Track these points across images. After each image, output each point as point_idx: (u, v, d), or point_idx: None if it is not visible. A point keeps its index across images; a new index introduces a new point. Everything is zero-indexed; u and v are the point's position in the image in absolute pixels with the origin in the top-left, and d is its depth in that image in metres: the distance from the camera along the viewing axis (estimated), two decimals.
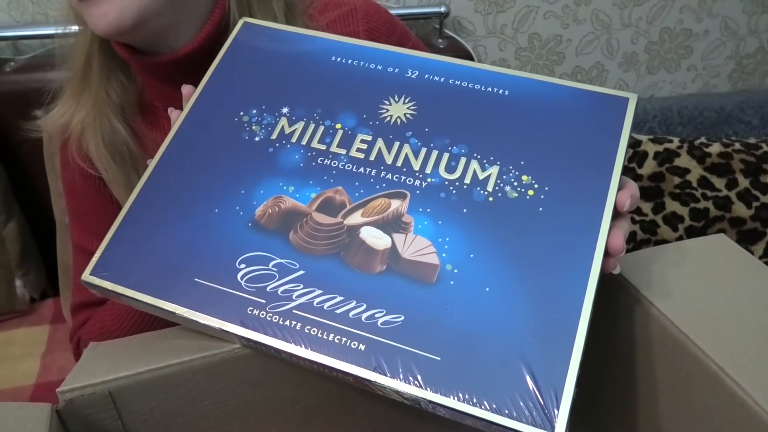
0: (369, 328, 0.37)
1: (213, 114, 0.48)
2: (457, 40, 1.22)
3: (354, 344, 0.37)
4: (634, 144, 1.08)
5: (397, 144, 0.44)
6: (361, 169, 0.44)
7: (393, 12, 1.13)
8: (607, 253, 0.39)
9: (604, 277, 0.39)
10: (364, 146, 0.44)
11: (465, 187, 0.42)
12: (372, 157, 0.44)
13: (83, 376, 0.41)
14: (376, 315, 0.38)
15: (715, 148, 1.06)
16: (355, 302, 0.38)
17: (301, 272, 0.40)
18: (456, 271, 0.39)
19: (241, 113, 0.47)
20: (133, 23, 0.53)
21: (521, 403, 0.34)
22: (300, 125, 0.46)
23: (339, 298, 0.39)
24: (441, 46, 1.19)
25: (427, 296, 0.38)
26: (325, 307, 0.38)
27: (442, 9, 1.18)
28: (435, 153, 0.43)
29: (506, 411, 0.34)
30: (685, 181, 1.03)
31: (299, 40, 0.51)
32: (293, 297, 0.39)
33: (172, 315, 0.40)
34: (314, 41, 0.51)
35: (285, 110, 0.47)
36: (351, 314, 0.38)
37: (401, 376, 0.36)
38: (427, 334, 0.37)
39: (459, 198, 0.41)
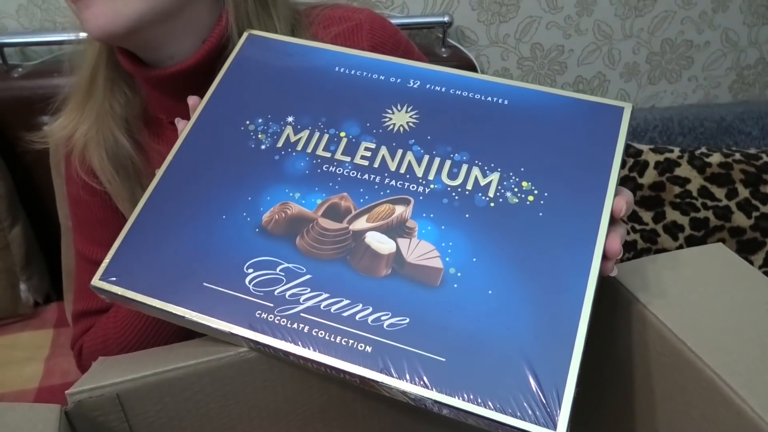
0: (375, 330, 0.38)
1: (220, 123, 0.49)
2: (459, 49, 1.23)
3: (361, 346, 0.38)
4: (634, 153, 1.09)
5: (400, 151, 0.45)
6: (366, 176, 0.45)
7: (396, 21, 1.14)
8: (604, 257, 0.40)
9: (602, 282, 0.40)
10: (368, 153, 0.46)
11: (467, 193, 0.43)
12: (376, 164, 0.45)
13: (91, 377, 0.41)
14: (382, 318, 0.39)
15: (716, 158, 1.07)
16: (361, 305, 0.39)
17: (308, 276, 0.41)
18: (459, 274, 0.40)
19: (248, 122, 0.48)
20: (126, 29, 0.53)
21: (524, 403, 0.35)
22: (305, 133, 0.47)
23: (345, 302, 0.39)
24: (444, 56, 1.20)
25: (432, 299, 0.39)
26: (332, 311, 0.39)
27: (446, 19, 1.19)
28: (437, 160, 0.45)
29: (509, 410, 0.35)
30: (685, 191, 1.04)
31: (303, 52, 0.52)
32: (301, 300, 0.40)
33: (181, 319, 0.41)
34: (318, 53, 0.52)
35: (290, 119, 0.48)
36: (357, 317, 0.39)
37: (407, 377, 0.37)
38: (432, 336, 0.38)
39: (461, 203, 0.42)
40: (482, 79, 0.49)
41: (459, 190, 0.43)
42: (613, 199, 0.42)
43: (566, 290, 0.39)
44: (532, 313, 0.38)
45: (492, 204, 0.42)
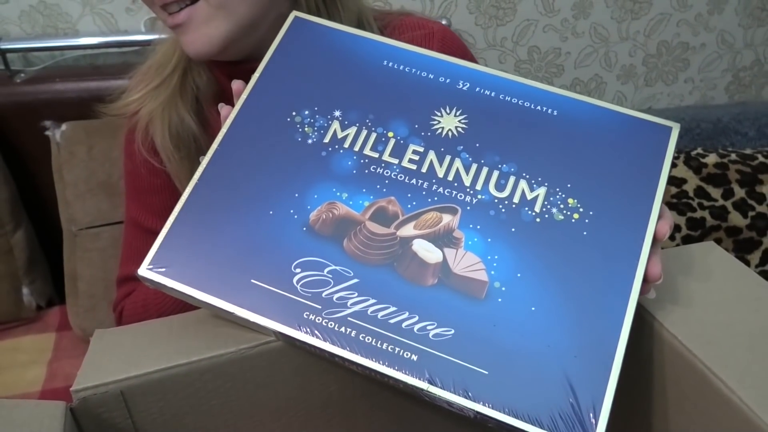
0: (421, 339, 0.39)
1: (265, 112, 0.47)
2: None
3: (407, 354, 0.38)
4: None
5: (448, 158, 0.45)
6: (414, 181, 0.44)
7: None
8: (644, 279, 0.41)
9: None
10: (416, 157, 0.45)
11: (513, 206, 0.42)
12: (424, 169, 0.44)
13: (95, 374, 0.42)
14: (428, 327, 0.39)
15: (712, 159, 1.08)
16: (407, 313, 0.39)
17: (356, 280, 0.41)
18: (504, 289, 0.40)
19: (294, 113, 0.47)
20: (219, 49, 0.58)
21: (562, 420, 0.36)
22: (352, 130, 0.46)
23: (392, 309, 0.40)
24: None
25: (477, 312, 0.39)
26: (378, 317, 0.39)
27: (443, 22, 1.20)
28: (485, 170, 0.44)
29: (548, 426, 0.36)
30: (681, 191, 1.05)
31: (350, 40, 0.50)
32: (348, 304, 0.40)
33: (229, 314, 0.41)
34: (365, 42, 0.50)
35: (337, 113, 0.47)
36: (404, 325, 0.39)
37: (452, 389, 0.37)
38: (476, 348, 0.38)
39: (508, 217, 0.42)
40: (532, 85, 0.48)
41: (506, 202, 0.43)
42: (657, 222, 0.42)
43: (606, 311, 0.39)
44: (573, 332, 0.39)
45: (538, 219, 0.42)
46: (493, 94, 0.47)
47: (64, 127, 1.10)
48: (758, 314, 0.44)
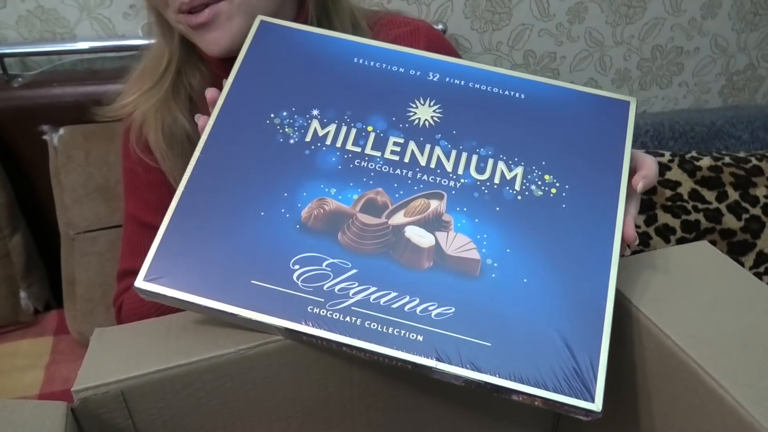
0: (424, 320, 0.40)
1: (243, 117, 0.48)
2: None
3: (412, 336, 0.40)
4: None
5: (428, 146, 0.47)
6: (398, 171, 0.46)
7: None
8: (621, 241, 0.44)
9: None
10: (398, 148, 0.47)
11: (495, 187, 0.45)
12: (406, 159, 0.46)
13: (96, 374, 0.42)
14: (429, 308, 0.41)
15: (706, 162, 1.09)
16: (408, 297, 0.41)
17: (354, 271, 0.42)
18: (496, 265, 0.42)
19: (272, 115, 0.48)
20: (240, 44, 0.56)
21: (565, 379, 0.39)
22: (332, 127, 0.48)
23: (393, 294, 0.41)
24: None
25: (473, 289, 0.42)
26: (381, 303, 0.41)
27: (439, 27, 1.21)
28: (465, 155, 0.46)
29: (552, 386, 0.39)
30: (676, 194, 1.06)
31: (319, 40, 0.52)
32: (350, 294, 0.41)
33: (232, 317, 0.42)
34: (334, 42, 0.52)
35: (315, 112, 0.48)
36: (406, 308, 0.41)
37: (460, 363, 0.39)
38: (476, 323, 0.40)
39: (491, 197, 0.45)
40: (499, 72, 0.50)
41: (488, 184, 0.45)
42: (633, 177, 0.45)
43: (592, 274, 0.42)
44: (565, 297, 0.41)
45: (519, 197, 0.45)
46: (462, 82, 0.50)
47: (61, 131, 1.11)
48: (750, 313, 0.45)
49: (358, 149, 0.47)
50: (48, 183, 1.13)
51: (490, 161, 0.46)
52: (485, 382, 0.39)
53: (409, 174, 0.46)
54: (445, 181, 0.45)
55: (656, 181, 0.47)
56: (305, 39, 0.52)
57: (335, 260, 0.43)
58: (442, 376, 0.40)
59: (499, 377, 0.39)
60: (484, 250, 0.43)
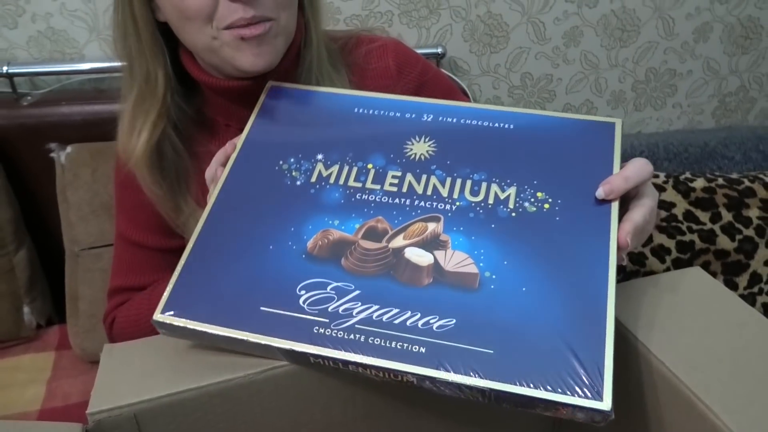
0: (426, 333, 0.42)
1: (255, 165, 0.53)
2: (453, 78, 1.28)
3: (415, 348, 0.42)
4: None
5: (424, 176, 0.50)
6: (397, 200, 0.49)
7: None
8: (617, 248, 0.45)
9: None
10: (396, 181, 0.50)
11: (489, 206, 0.48)
12: (404, 189, 0.50)
13: (109, 396, 0.44)
14: (431, 321, 0.43)
15: (700, 183, 1.11)
16: (410, 312, 0.43)
17: (357, 292, 0.44)
18: (494, 276, 0.44)
19: (281, 162, 0.53)
20: (274, 63, 0.61)
21: (571, 381, 0.39)
22: (335, 168, 0.52)
23: (395, 311, 0.43)
24: None
25: (473, 300, 0.43)
26: (383, 320, 0.43)
27: (439, 50, 1.24)
28: (459, 181, 0.50)
29: (560, 389, 0.39)
30: (671, 215, 1.08)
31: (322, 97, 0.58)
32: (353, 314, 0.43)
33: (242, 343, 0.44)
34: (336, 97, 0.57)
35: (320, 156, 0.53)
36: (408, 323, 0.43)
37: (462, 371, 0.40)
38: (478, 332, 0.42)
39: (486, 216, 0.47)
40: (487, 108, 0.55)
41: (482, 204, 0.48)
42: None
43: (591, 279, 0.44)
44: (565, 303, 0.43)
45: (513, 214, 0.48)
46: (454, 120, 0.54)
47: (69, 149, 1.13)
48: (741, 339, 0.47)
49: (359, 184, 0.50)
50: (53, 199, 1.15)
51: (484, 184, 0.49)
52: (489, 389, 0.40)
53: (407, 202, 0.49)
54: (441, 206, 0.49)
55: (644, 178, 0.48)
56: (309, 97, 0.58)
57: (339, 283, 0.45)
58: (446, 388, 0.41)
59: (503, 383, 0.40)
60: (481, 264, 0.45)
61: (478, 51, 1.30)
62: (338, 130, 0.55)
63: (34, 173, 1.17)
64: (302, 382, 0.47)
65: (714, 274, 1.08)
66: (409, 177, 0.51)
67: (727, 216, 1.09)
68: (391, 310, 0.43)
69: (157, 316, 0.46)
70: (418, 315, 0.43)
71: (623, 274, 1.10)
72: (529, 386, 0.39)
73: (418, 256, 0.46)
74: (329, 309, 0.44)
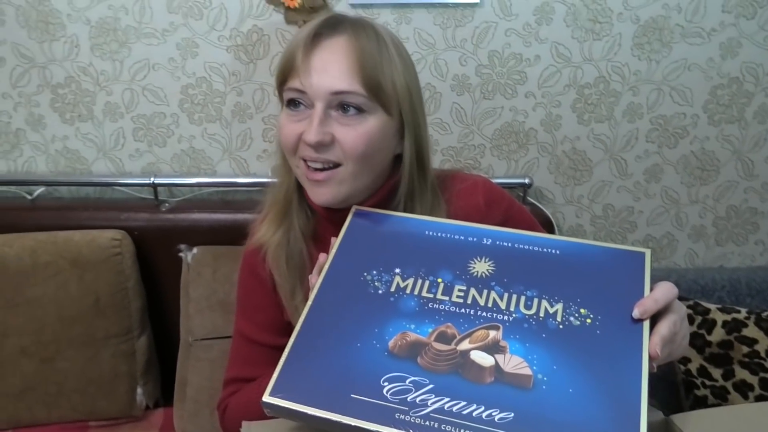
0: (489, 423, 0.50)
1: (343, 275, 0.64)
2: (538, 206, 1.39)
3: None
4: (702, 311, 1.17)
5: (485, 291, 0.60)
6: (463, 310, 0.59)
7: None
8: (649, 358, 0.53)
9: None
10: (462, 293, 0.60)
11: (540, 319, 0.57)
12: (469, 301, 0.60)
13: None
14: (493, 413, 0.51)
15: None
16: (476, 405, 0.51)
17: (431, 386, 0.53)
18: (545, 378, 0.53)
19: (365, 274, 0.64)
20: (340, 202, 0.74)
21: None
22: (411, 281, 0.62)
23: (463, 403, 0.52)
24: None
25: (529, 398, 0.51)
26: (454, 410, 0.51)
27: (526, 180, 1.36)
28: (515, 296, 0.59)
29: None
30: (753, 351, 1.09)
31: (399, 221, 0.70)
32: (428, 404, 0.52)
33: (336, 424, 0.53)
34: (410, 221, 0.70)
35: (397, 270, 0.64)
36: (474, 414, 0.51)
37: None
38: (533, 425, 0.50)
39: (538, 327, 0.57)
40: (537, 235, 0.66)
41: (534, 317, 0.57)
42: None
43: (627, 385, 0.52)
44: (605, 404, 0.51)
45: (561, 326, 0.56)
46: (509, 244, 0.65)
47: (195, 250, 1.30)
48: None
49: (431, 295, 0.61)
50: (176, 294, 1.31)
51: (535, 300, 0.58)
52: None
53: (472, 312, 0.59)
54: (500, 316, 0.58)
55: (671, 299, 0.57)
56: (387, 219, 0.70)
57: (416, 378, 0.54)
58: None
59: None
60: (534, 368, 0.53)
61: (563, 182, 1.41)
62: (412, 249, 0.65)
63: (163, 269, 1.34)
64: None
65: None
66: (472, 291, 0.60)
67: None
68: (459, 402, 0.51)
69: (266, 398, 0.55)
70: (483, 408, 0.51)
71: (704, 407, 1.11)
72: None
73: (482, 358, 0.54)
74: (408, 399, 0.52)
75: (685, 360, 1.18)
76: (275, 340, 0.81)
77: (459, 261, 0.64)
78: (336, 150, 0.71)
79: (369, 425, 0.52)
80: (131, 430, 1.30)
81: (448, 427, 0.50)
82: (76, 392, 1.28)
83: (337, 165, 0.72)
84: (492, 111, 1.35)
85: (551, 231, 1.36)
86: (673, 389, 1.22)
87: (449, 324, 0.58)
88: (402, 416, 0.51)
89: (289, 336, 0.80)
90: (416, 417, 0.51)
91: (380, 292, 0.62)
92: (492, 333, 0.57)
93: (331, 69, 0.69)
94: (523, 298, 0.59)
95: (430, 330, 0.58)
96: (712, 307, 1.18)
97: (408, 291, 0.61)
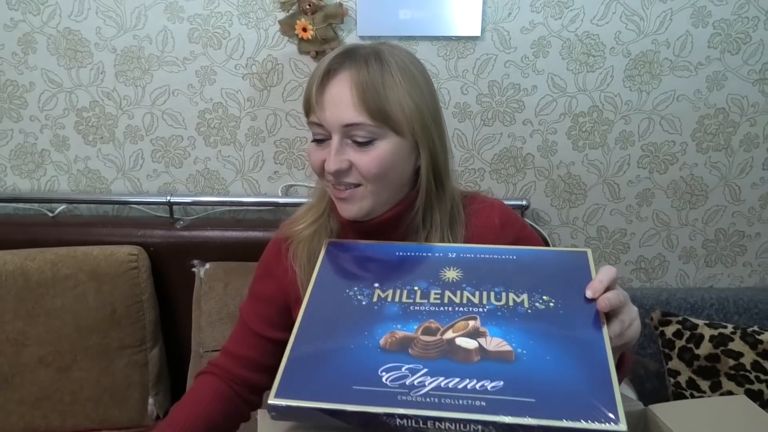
0: (483, 392, 0.57)
1: (328, 292, 0.72)
2: (535, 228, 1.46)
3: (477, 402, 0.56)
4: (691, 326, 1.22)
5: (459, 292, 0.68)
6: (442, 308, 0.67)
7: None
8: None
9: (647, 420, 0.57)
10: (438, 296, 0.68)
11: (510, 307, 0.66)
12: (446, 301, 0.67)
13: None
14: (485, 384, 0.57)
15: (767, 336, 1.18)
16: (468, 380, 0.58)
17: (426, 370, 0.59)
18: (525, 352, 0.60)
19: (347, 290, 0.71)
20: (365, 215, 0.81)
21: (596, 414, 0.54)
22: (390, 291, 0.70)
23: (457, 380, 0.58)
24: None
25: (513, 368, 0.59)
26: (450, 386, 0.58)
27: (524, 202, 1.43)
28: (485, 292, 0.67)
29: (590, 420, 0.53)
30: (739, 364, 1.15)
31: (370, 247, 0.78)
32: (426, 384, 0.58)
33: (343, 414, 0.58)
34: (380, 246, 0.79)
35: (376, 285, 0.71)
36: (468, 387, 0.57)
37: (518, 415, 0.54)
38: (521, 388, 0.57)
39: (510, 314, 0.65)
40: (494, 246, 0.75)
41: (505, 306, 0.66)
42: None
43: (594, 350, 0.60)
44: (579, 365, 0.58)
45: (529, 311, 0.65)
46: (472, 255, 0.74)
47: (207, 266, 1.36)
48: None
49: (411, 300, 0.68)
50: (188, 307, 1.37)
51: (503, 293, 0.67)
52: (539, 425, 0.53)
53: (450, 309, 0.66)
54: (475, 309, 0.66)
55: (612, 277, 0.65)
56: (360, 247, 0.79)
57: (410, 365, 0.60)
58: (504, 427, 0.54)
59: (546, 419, 0.53)
60: (514, 344, 0.61)
61: (559, 205, 1.48)
62: (386, 267, 0.73)
63: (176, 283, 1.40)
64: None
65: None
66: (447, 293, 0.68)
67: None
68: (453, 379, 0.57)
69: (272, 400, 0.60)
70: (475, 381, 0.57)
71: None
72: (567, 420, 0.53)
73: (467, 343, 0.61)
74: (406, 383, 0.58)
75: (675, 373, 1.23)
76: (266, 332, 0.90)
77: (430, 272, 0.72)
78: (354, 173, 0.78)
79: (375, 409, 0.57)
80: None
81: (448, 400, 0.56)
82: (90, 401, 1.34)
83: (358, 185, 0.79)
84: (491, 137, 1.43)
85: None
86: (663, 401, 1.27)
87: (432, 320, 0.65)
88: (404, 397, 0.57)
89: (281, 332, 0.87)
90: (417, 396, 0.57)
91: (364, 303, 0.69)
92: (471, 322, 0.64)
93: (340, 104, 0.76)
94: (492, 293, 0.67)
95: (415, 327, 0.64)
96: (700, 322, 1.24)
97: (389, 300, 0.69)
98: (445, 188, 0.86)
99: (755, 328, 1.22)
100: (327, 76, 0.78)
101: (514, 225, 0.89)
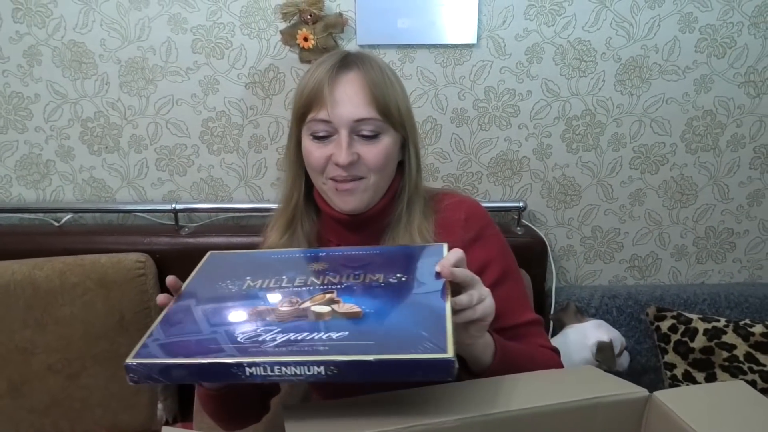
0: (328, 339, 0.62)
1: (203, 284, 0.77)
2: (532, 228, 1.50)
3: (322, 347, 0.61)
4: (685, 321, 1.27)
5: (322, 276, 0.75)
6: (304, 288, 0.73)
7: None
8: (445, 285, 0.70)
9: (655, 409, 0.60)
10: (302, 280, 0.75)
11: (366, 283, 0.73)
12: (308, 283, 0.74)
13: None
14: (332, 335, 0.63)
15: (758, 329, 1.23)
16: (316, 333, 0.63)
17: (279, 329, 0.65)
18: (373, 311, 0.67)
19: (220, 283, 0.76)
20: (364, 207, 0.87)
21: (426, 347, 0.60)
22: (259, 282, 0.76)
23: (306, 333, 0.64)
24: (519, 233, 1.46)
25: (360, 323, 0.65)
26: (298, 338, 0.63)
27: (520, 204, 1.47)
28: (345, 275, 0.74)
29: (420, 351, 0.59)
30: (732, 356, 1.19)
31: (249, 254, 0.86)
32: (277, 339, 0.63)
33: (196, 368, 0.61)
34: (258, 253, 0.86)
35: (248, 278, 0.77)
36: (316, 337, 0.63)
37: (356, 353, 0.60)
38: (363, 335, 0.63)
39: (365, 288, 0.72)
40: (360, 247, 0.83)
41: (361, 282, 0.73)
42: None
43: (435, 306, 0.67)
44: (419, 321, 0.64)
45: (383, 284, 0.72)
46: (340, 253, 0.83)
47: None
48: None
49: (277, 285, 0.74)
50: None
51: (362, 274, 0.74)
52: (375, 359, 0.58)
53: (312, 288, 0.73)
54: (334, 287, 0.72)
55: (459, 255, 0.71)
56: (239, 255, 0.86)
57: (266, 327, 0.66)
58: (344, 364, 0.59)
59: (384, 354, 0.59)
60: (364, 307, 0.67)
61: (554, 206, 1.53)
62: (260, 266, 0.80)
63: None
64: None
65: None
66: (311, 277, 0.75)
67: None
68: (302, 334, 0.63)
69: (130, 360, 0.62)
70: (322, 333, 0.63)
71: None
72: (399, 353, 0.59)
73: (322, 308, 0.68)
74: (259, 339, 0.63)
75: (671, 366, 1.28)
76: None
77: (299, 267, 0.79)
78: (361, 166, 0.85)
79: (227, 359, 0.61)
80: None
81: (295, 348, 0.61)
82: (99, 407, 1.35)
83: (361, 178, 0.86)
84: (488, 141, 1.47)
85: (545, 251, 1.47)
86: None
87: (293, 297, 0.71)
88: (256, 348, 0.62)
89: None
90: (267, 347, 0.62)
91: (233, 290, 0.74)
92: (328, 295, 0.71)
93: (352, 100, 0.83)
94: (352, 276, 0.75)
95: (276, 302, 0.71)
96: (694, 317, 1.28)
97: (257, 287, 0.74)
98: (420, 180, 0.94)
99: (747, 321, 1.26)
100: (334, 76, 0.84)
101: (478, 221, 0.93)
